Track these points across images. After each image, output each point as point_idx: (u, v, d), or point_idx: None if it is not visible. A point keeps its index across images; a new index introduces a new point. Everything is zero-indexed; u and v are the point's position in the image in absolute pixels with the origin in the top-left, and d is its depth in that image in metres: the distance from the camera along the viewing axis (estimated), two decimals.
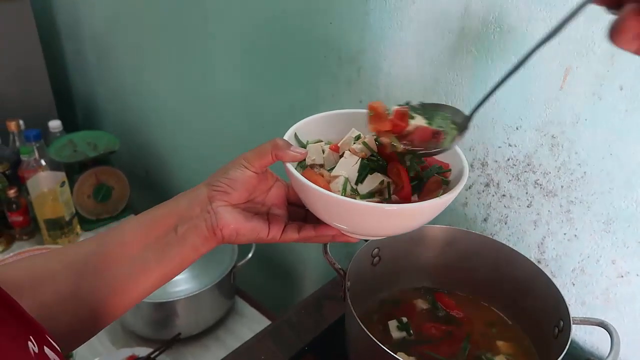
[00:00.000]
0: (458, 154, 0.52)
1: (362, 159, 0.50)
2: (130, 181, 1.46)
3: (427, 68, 0.76)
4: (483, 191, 0.77)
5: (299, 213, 0.55)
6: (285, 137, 0.51)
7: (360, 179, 0.49)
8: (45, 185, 1.25)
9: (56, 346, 0.36)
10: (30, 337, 0.33)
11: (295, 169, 0.49)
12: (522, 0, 0.63)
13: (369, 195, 0.49)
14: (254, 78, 1.09)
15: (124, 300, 0.49)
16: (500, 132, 0.72)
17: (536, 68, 0.65)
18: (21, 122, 1.38)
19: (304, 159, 0.51)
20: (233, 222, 0.49)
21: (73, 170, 1.37)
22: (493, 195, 0.76)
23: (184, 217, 0.49)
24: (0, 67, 1.49)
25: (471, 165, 0.77)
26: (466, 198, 0.80)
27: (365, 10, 0.80)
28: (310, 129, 0.55)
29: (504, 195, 0.75)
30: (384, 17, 0.78)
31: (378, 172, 0.49)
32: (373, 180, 0.49)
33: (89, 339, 0.50)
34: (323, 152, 0.52)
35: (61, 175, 1.27)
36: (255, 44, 1.04)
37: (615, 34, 0.30)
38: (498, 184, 0.75)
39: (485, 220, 0.79)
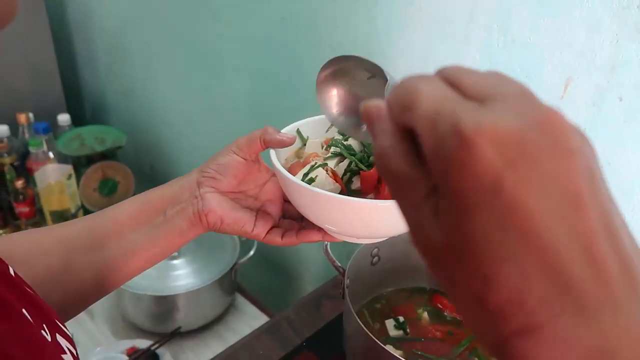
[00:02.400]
0: None
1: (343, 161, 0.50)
2: (136, 176, 1.48)
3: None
4: None
5: (296, 211, 0.54)
6: (285, 130, 0.52)
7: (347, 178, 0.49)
8: (53, 178, 1.27)
9: (67, 332, 0.37)
10: (44, 325, 0.34)
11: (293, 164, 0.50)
12: (526, 10, 0.64)
13: (355, 193, 0.48)
14: (261, 79, 1.10)
15: (113, 279, 0.50)
16: None
17: (538, 78, 0.66)
18: (31, 115, 1.40)
19: (302, 156, 0.51)
20: (219, 209, 0.49)
21: (80, 164, 1.39)
22: None
23: (174, 200, 0.50)
24: (13, 61, 1.51)
25: None
26: None
27: (372, 15, 0.81)
28: (315, 126, 0.55)
29: None
30: (390, 22, 0.79)
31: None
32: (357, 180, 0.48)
33: (75, 315, 0.51)
34: (322, 147, 0.52)
35: (68, 168, 1.29)
36: (263, 45, 1.06)
37: None
38: None
39: None
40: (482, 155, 0.19)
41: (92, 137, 1.42)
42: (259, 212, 0.52)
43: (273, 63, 1.05)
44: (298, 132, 0.54)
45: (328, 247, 0.66)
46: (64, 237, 0.50)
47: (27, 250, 0.49)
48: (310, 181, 0.46)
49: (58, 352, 0.33)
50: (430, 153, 0.20)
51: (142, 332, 1.06)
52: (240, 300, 1.17)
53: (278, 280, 1.31)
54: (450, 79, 0.23)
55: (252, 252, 1.09)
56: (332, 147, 0.51)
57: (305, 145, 0.54)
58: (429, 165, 0.21)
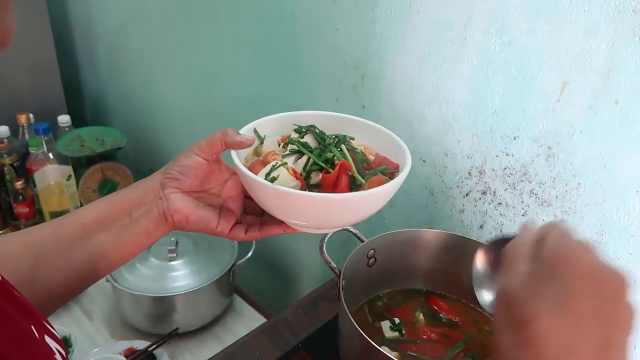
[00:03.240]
0: (405, 154, 0.54)
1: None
2: (135, 177, 1.49)
3: (429, 76, 0.78)
4: (480, 199, 0.79)
5: (256, 206, 0.55)
6: (243, 130, 0.54)
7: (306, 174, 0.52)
8: (52, 178, 1.27)
9: (55, 333, 0.37)
10: (32, 326, 0.34)
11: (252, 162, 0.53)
12: (523, 14, 0.65)
13: (314, 187, 0.52)
14: (260, 81, 1.11)
15: (82, 281, 0.52)
16: (498, 141, 0.73)
17: (534, 81, 0.66)
18: (31, 115, 1.40)
19: (261, 155, 0.54)
20: (183, 209, 0.51)
21: (80, 165, 1.40)
22: (489, 203, 0.78)
23: (139, 202, 0.52)
24: (14, 62, 1.52)
25: (469, 173, 0.79)
26: (463, 205, 0.81)
27: (371, 18, 0.82)
28: (270, 125, 0.58)
29: (500, 204, 0.77)
30: (389, 25, 0.80)
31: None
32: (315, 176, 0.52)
33: (47, 317, 0.52)
34: (279, 144, 0.56)
35: (68, 169, 1.30)
36: (263, 48, 1.06)
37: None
38: (495, 192, 0.77)
39: (481, 227, 0.80)
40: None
41: (92, 138, 1.42)
42: (222, 209, 0.55)
43: (272, 65, 1.06)
44: (255, 131, 0.57)
45: (324, 248, 0.66)
46: (32, 241, 0.51)
47: None
48: (273, 180, 0.49)
49: (48, 352, 0.33)
50: None
51: (140, 333, 1.06)
52: (238, 301, 1.17)
53: (276, 282, 1.31)
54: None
55: (250, 254, 1.09)
56: (289, 145, 0.54)
57: (262, 143, 0.57)
58: None
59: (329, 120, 0.59)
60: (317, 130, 0.57)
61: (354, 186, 0.50)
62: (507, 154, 0.73)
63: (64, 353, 0.36)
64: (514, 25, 0.66)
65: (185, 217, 0.51)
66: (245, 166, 0.50)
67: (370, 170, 0.53)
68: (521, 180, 0.73)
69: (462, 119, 0.76)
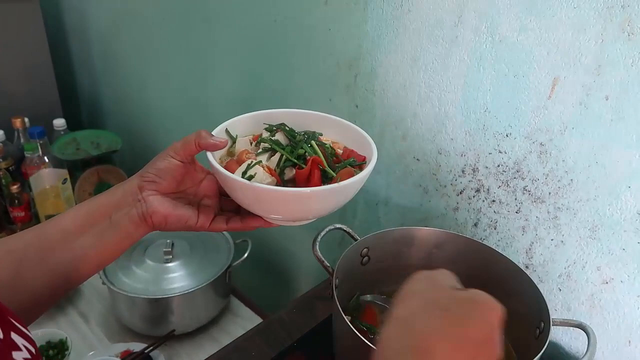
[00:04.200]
0: (371, 146, 0.57)
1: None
2: None
3: (421, 74, 0.78)
4: (474, 196, 0.79)
5: (232, 204, 0.57)
6: (215, 131, 0.56)
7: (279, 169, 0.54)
8: (48, 182, 1.27)
9: (25, 331, 0.38)
10: None
11: (226, 161, 0.55)
12: (513, 11, 0.65)
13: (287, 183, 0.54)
14: (253, 82, 1.11)
15: (66, 284, 0.53)
16: (491, 139, 0.73)
17: (526, 78, 0.67)
18: (26, 119, 1.40)
19: (234, 154, 0.56)
20: (162, 210, 0.53)
21: (75, 168, 1.40)
22: (483, 201, 0.78)
23: (118, 206, 0.53)
24: (9, 66, 1.52)
25: (462, 171, 0.79)
26: (457, 203, 0.81)
27: (363, 18, 0.82)
28: (241, 125, 0.60)
29: (493, 201, 0.77)
30: (381, 24, 0.80)
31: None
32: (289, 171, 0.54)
33: (34, 320, 0.53)
34: (251, 143, 0.58)
35: (63, 173, 1.30)
36: (255, 49, 1.06)
37: None
38: (488, 189, 0.77)
39: (475, 225, 0.81)
40: None
41: (88, 142, 1.42)
42: (200, 206, 0.57)
43: (265, 66, 1.06)
44: (227, 131, 0.59)
45: (317, 247, 0.66)
46: (14, 248, 0.51)
47: None
48: (250, 178, 0.51)
49: (9, 348, 0.34)
50: None
51: (137, 335, 1.06)
52: (235, 302, 1.17)
53: (272, 283, 1.31)
54: None
55: (246, 255, 1.09)
56: (261, 144, 0.56)
57: (235, 143, 0.58)
58: None
59: (297, 117, 0.63)
60: (287, 127, 0.59)
61: (325, 179, 0.53)
62: (499, 152, 0.73)
63: (33, 350, 0.37)
64: (504, 23, 0.66)
65: (164, 217, 0.53)
66: (222, 165, 0.52)
67: (340, 163, 0.55)
68: (514, 178, 0.73)
69: (455, 117, 0.77)
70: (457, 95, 0.75)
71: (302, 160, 0.54)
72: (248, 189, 0.49)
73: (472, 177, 0.78)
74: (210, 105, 1.26)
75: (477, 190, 0.78)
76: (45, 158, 1.31)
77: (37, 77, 1.59)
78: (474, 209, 0.80)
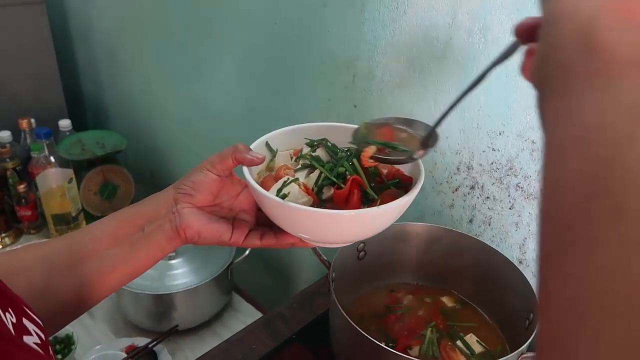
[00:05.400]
0: (419, 167, 0.53)
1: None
2: (136, 180, 1.51)
3: (417, 75, 0.80)
4: (468, 193, 0.81)
5: (269, 219, 0.55)
6: (255, 143, 0.54)
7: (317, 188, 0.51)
8: (54, 182, 1.30)
9: (37, 319, 0.39)
10: (9, 308, 0.36)
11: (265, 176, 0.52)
12: (505, 14, 0.67)
13: (324, 203, 0.51)
14: (255, 83, 1.13)
15: (93, 294, 0.52)
16: (484, 137, 0.75)
17: (517, 77, 0.68)
18: (33, 120, 1.43)
19: (273, 169, 0.53)
20: (196, 224, 0.51)
21: (81, 168, 1.42)
22: (478, 198, 0.80)
23: (151, 217, 0.52)
24: (15, 68, 1.55)
25: (457, 169, 0.81)
26: (453, 200, 0.83)
27: (361, 20, 0.84)
28: (283, 138, 0.57)
29: (488, 198, 0.79)
30: (378, 26, 0.82)
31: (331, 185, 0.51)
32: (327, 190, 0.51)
33: (58, 330, 0.53)
34: (291, 158, 0.55)
35: (69, 172, 1.32)
36: (256, 51, 1.09)
37: (521, 69, 0.32)
38: (482, 186, 0.79)
39: (470, 221, 0.83)
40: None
41: (93, 142, 1.45)
42: (235, 220, 0.55)
43: (266, 68, 1.08)
44: (267, 145, 0.56)
45: None
46: (45, 254, 0.52)
47: (9, 267, 0.50)
48: (284, 197, 0.48)
49: (21, 332, 0.35)
50: None
51: (141, 331, 1.08)
52: (237, 299, 1.19)
53: (274, 280, 1.33)
54: None
55: (247, 252, 1.11)
56: (301, 159, 0.54)
57: (275, 157, 0.56)
58: None
59: (341, 132, 0.57)
60: (329, 143, 0.56)
61: (366, 201, 0.50)
62: (493, 149, 0.75)
63: (42, 336, 0.38)
64: (496, 24, 0.68)
65: (197, 232, 0.52)
66: (257, 181, 0.50)
67: (383, 184, 0.52)
68: (507, 175, 0.75)
69: (450, 116, 0.78)
70: (452, 94, 0.77)
71: (342, 179, 0.50)
72: (280, 208, 0.47)
73: (467, 175, 0.80)
74: (212, 105, 1.29)
75: (472, 188, 0.80)
76: (52, 158, 1.33)
77: (44, 79, 1.61)
78: (469, 206, 0.82)
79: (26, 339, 0.37)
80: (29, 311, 0.40)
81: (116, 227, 0.53)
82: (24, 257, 0.52)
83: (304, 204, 0.48)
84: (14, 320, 0.36)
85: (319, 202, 0.51)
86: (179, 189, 0.53)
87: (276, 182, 0.51)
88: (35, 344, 0.37)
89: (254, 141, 0.56)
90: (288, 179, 0.50)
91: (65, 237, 0.54)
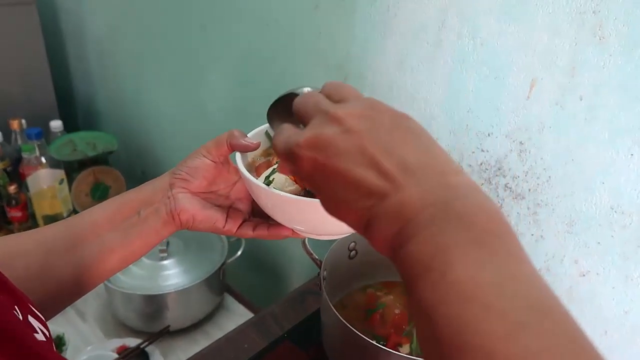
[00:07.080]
0: None
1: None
2: (127, 181, 1.51)
3: (408, 77, 0.81)
4: None
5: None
6: (255, 132, 0.55)
7: None
8: (45, 183, 1.29)
9: (40, 315, 0.39)
10: (15, 306, 0.36)
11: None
12: (493, 17, 0.68)
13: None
14: (246, 84, 1.14)
15: (90, 277, 0.53)
16: (473, 138, 0.76)
17: (505, 79, 0.70)
18: (23, 121, 1.42)
19: (271, 155, 0.54)
20: (190, 208, 0.52)
21: (72, 169, 1.42)
22: None
23: (147, 202, 0.53)
24: (6, 68, 1.54)
25: None
26: None
27: (352, 22, 0.85)
28: None
29: None
30: (368, 28, 0.83)
31: None
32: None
33: (56, 313, 0.53)
34: None
35: (60, 173, 1.32)
36: (248, 52, 1.09)
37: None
38: None
39: None
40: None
41: (84, 143, 1.44)
42: (230, 209, 0.55)
43: (257, 69, 1.09)
44: (266, 134, 0.56)
45: (306, 241, 0.69)
46: (43, 239, 0.52)
47: (7, 252, 0.51)
48: (269, 183, 0.49)
49: (30, 330, 0.36)
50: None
51: (133, 331, 1.08)
52: (229, 299, 1.19)
53: (266, 280, 1.34)
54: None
55: (239, 253, 1.12)
56: None
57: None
58: None
59: None
60: None
61: None
62: (482, 150, 0.76)
63: (47, 333, 0.38)
64: (485, 27, 0.69)
65: (192, 216, 0.53)
66: (253, 167, 0.50)
67: None
68: (496, 175, 0.76)
69: (440, 117, 0.80)
70: (442, 96, 0.78)
71: None
72: (264, 194, 0.47)
73: None
74: (203, 106, 1.29)
75: None
76: (43, 159, 1.33)
77: (34, 79, 1.61)
78: None
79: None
80: (33, 309, 0.40)
81: (114, 211, 0.54)
82: (22, 241, 0.52)
83: (290, 192, 0.48)
84: (21, 318, 0.36)
85: (307, 192, 0.50)
86: (174, 174, 0.54)
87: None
88: (41, 341, 0.37)
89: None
90: (277, 163, 0.51)
91: (63, 222, 0.54)
